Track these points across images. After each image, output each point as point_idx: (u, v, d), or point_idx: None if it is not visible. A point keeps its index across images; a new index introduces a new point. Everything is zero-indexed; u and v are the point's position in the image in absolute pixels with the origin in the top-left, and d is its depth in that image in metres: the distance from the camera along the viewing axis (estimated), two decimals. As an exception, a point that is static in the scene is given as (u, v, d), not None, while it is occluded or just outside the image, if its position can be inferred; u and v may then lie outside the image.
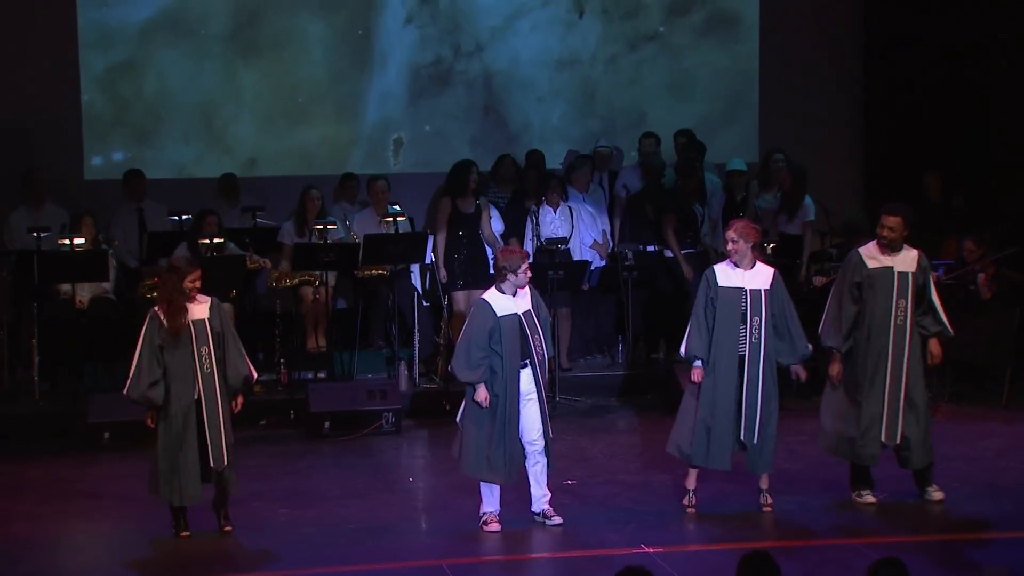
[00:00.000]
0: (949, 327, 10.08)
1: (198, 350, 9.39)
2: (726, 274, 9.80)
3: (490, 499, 9.60)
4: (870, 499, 10.00)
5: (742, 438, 9.73)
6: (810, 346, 9.92)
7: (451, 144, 16.14)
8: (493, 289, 9.62)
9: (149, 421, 9.47)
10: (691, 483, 9.91)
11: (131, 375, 9.44)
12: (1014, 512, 9.81)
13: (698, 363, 9.77)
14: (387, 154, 16.37)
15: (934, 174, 15.11)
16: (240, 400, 9.67)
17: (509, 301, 9.56)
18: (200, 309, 9.47)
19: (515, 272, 9.53)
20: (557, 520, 9.63)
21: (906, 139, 16.27)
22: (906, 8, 16.28)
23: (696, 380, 9.77)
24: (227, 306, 12.71)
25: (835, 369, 10.05)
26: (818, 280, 13.87)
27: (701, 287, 9.87)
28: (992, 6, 15.66)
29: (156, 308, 9.48)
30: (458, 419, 9.67)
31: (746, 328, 9.70)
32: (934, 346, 10.06)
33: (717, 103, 16.77)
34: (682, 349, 9.93)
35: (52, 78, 15.35)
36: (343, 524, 9.80)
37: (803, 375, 9.97)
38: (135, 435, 11.96)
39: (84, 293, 13.36)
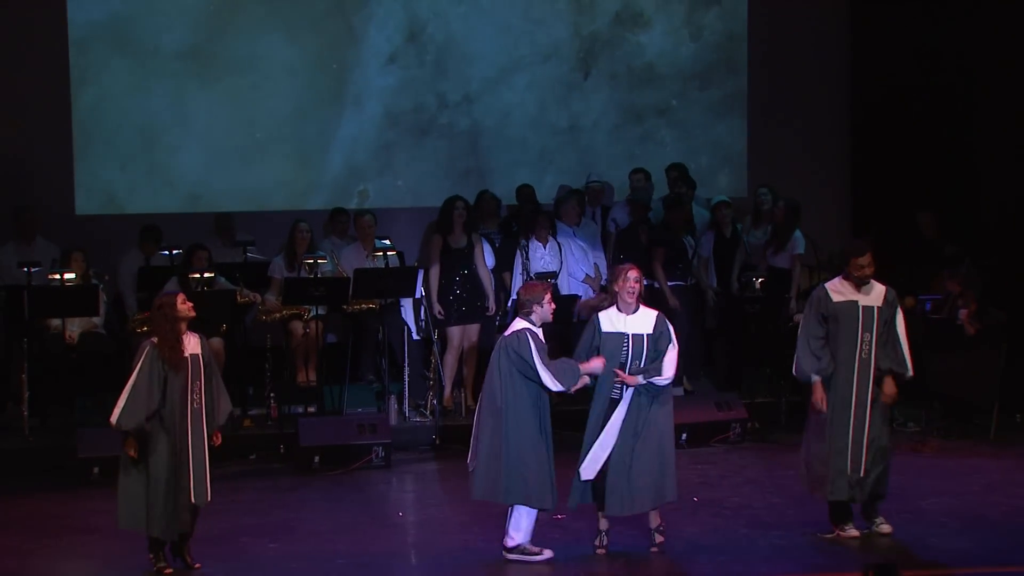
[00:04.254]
0: (909, 366, 10.02)
1: (192, 384, 9.39)
2: (610, 319, 9.71)
3: (532, 528, 9.54)
4: (853, 532, 10.03)
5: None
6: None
7: (423, 204, 14.78)
8: (523, 322, 9.58)
9: (132, 452, 9.31)
10: (603, 524, 9.81)
11: (123, 404, 9.26)
12: (1001, 547, 9.84)
13: None
14: (349, 207, 15.00)
15: (927, 213, 15.02)
16: (218, 436, 9.59)
17: (540, 334, 9.58)
18: (194, 343, 9.46)
19: (540, 304, 9.55)
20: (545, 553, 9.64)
21: (895, 173, 16.32)
22: (893, 41, 16.37)
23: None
24: (217, 340, 12.78)
25: (818, 394, 10.01)
26: (798, 318, 13.90)
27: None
28: (977, 48, 15.78)
29: (154, 339, 9.40)
30: (496, 453, 9.49)
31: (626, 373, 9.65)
32: (888, 385, 9.96)
33: (716, 185, 15.81)
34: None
35: (43, 114, 15.16)
36: (332, 559, 9.79)
37: None
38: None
39: (74, 328, 13.38)
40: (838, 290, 10.06)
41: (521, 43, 15.67)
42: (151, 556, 9.47)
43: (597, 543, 9.78)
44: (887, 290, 10.06)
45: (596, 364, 9.54)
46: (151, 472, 9.36)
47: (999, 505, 10.94)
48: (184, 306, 9.42)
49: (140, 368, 9.33)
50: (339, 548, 10.05)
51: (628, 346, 9.64)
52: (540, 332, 9.58)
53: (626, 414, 9.61)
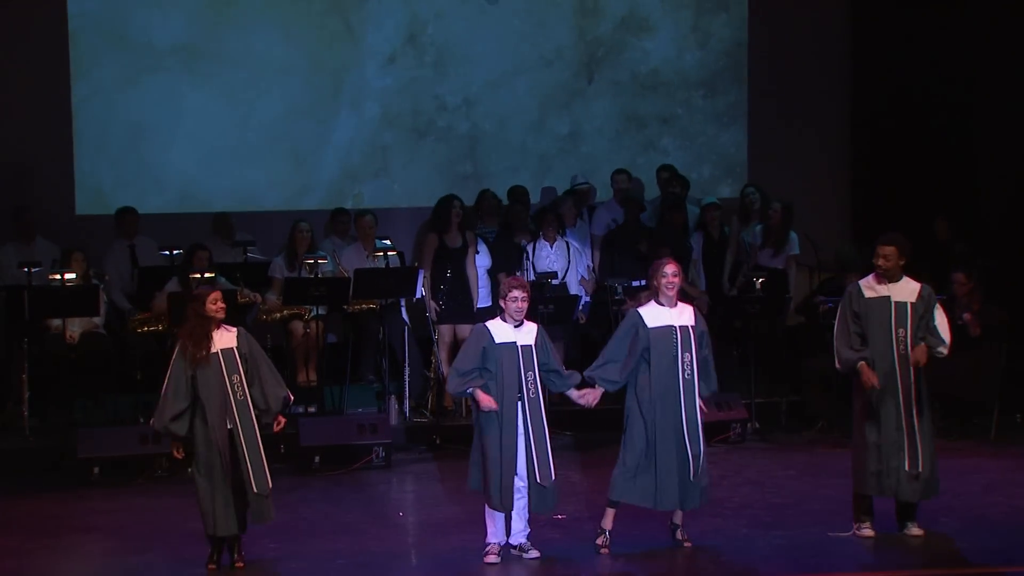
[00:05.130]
0: (947, 341, 9.95)
1: (229, 378, 9.36)
2: (654, 315, 9.66)
3: (493, 529, 9.53)
4: (868, 532, 9.98)
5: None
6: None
7: (419, 209, 14.51)
8: (497, 318, 9.59)
9: (176, 452, 9.44)
10: (608, 523, 9.77)
11: (158, 407, 9.42)
12: (1002, 547, 9.84)
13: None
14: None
15: (943, 219, 15.05)
16: (282, 420, 9.64)
17: (510, 331, 9.50)
18: (229, 338, 9.45)
19: (503, 298, 9.51)
20: (534, 554, 9.58)
21: (896, 178, 16.31)
22: (894, 48, 16.37)
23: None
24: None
25: (865, 375, 9.83)
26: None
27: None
28: (977, 54, 15.79)
29: (183, 339, 9.43)
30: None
31: (678, 366, 9.64)
32: (919, 351, 9.85)
33: (718, 194, 15.50)
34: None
35: (43, 114, 15.09)
36: (333, 559, 9.79)
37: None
38: (125, 470, 12.09)
39: (74, 328, 13.39)
40: (871, 286, 10.02)
41: (523, 46, 15.42)
42: (209, 553, 9.45)
43: (600, 542, 9.76)
44: (922, 287, 10.01)
45: (487, 401, 9.38)
46: (202, 472, 9.35)
47: (999, 505, 10.94)
48: (214, 306, 9.41)
49: (170, 370, 9.38)
50: (339, 548, 10.05)
51: (677, 339, 9.60)
52: (506, 328, 9.45)
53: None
